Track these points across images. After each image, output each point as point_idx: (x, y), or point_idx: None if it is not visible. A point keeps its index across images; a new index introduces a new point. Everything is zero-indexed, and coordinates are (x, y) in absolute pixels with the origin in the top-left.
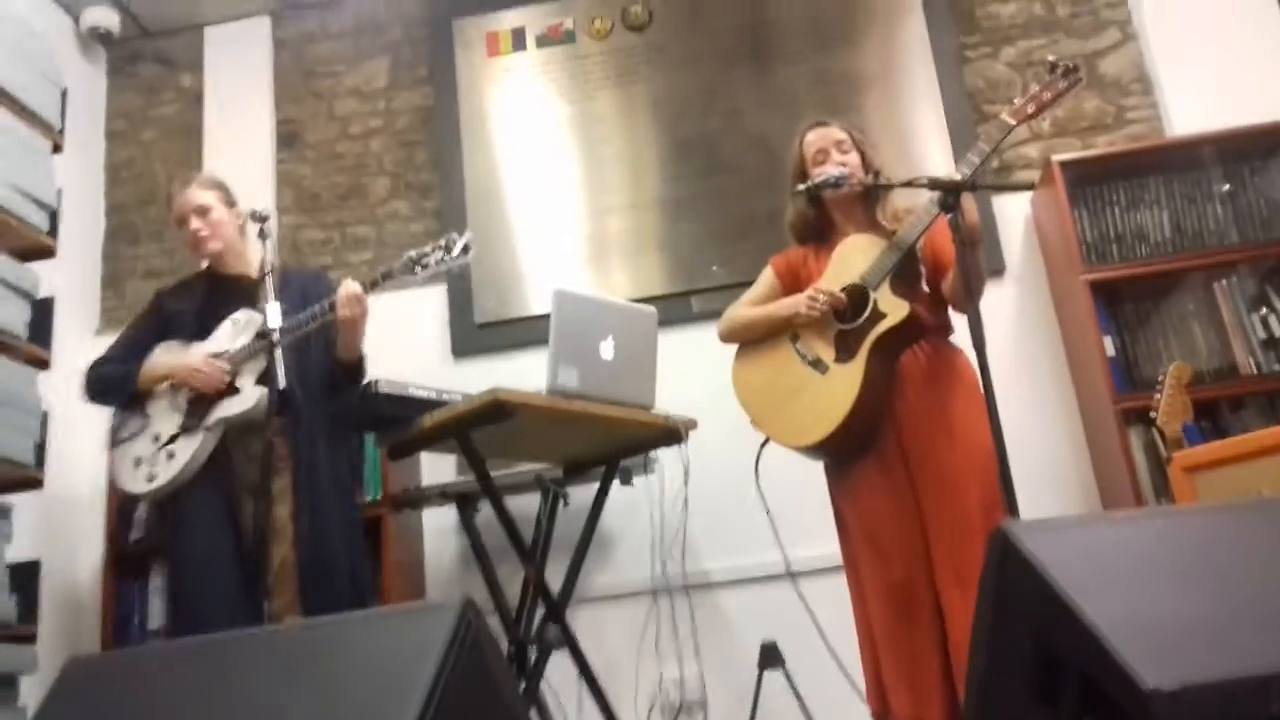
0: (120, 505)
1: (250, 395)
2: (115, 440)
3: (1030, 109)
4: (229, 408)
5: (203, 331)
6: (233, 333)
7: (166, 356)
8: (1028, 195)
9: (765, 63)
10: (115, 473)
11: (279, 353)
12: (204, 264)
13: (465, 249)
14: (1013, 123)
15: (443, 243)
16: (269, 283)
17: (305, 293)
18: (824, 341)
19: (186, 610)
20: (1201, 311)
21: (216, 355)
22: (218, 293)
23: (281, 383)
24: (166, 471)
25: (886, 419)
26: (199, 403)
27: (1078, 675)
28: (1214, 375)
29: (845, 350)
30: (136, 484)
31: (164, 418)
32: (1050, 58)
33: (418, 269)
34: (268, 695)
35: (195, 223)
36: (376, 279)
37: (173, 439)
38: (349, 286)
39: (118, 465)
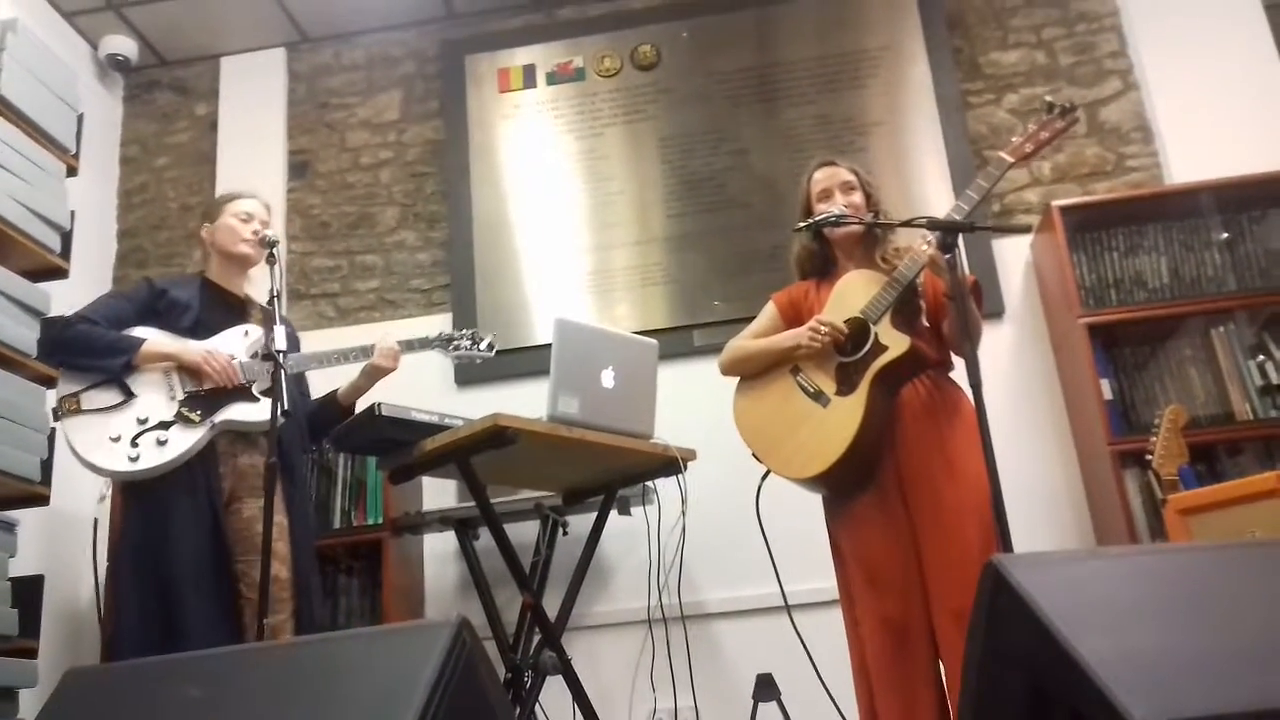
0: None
1: (269, 408)
2: (77, 408)
3: (1028, 148)
4: (244, 413)
5: (201, 331)
6: (244, 343)
7: (166, 339)
8: (1028, 239)
9: (771, 104)
10: (78, 443)
11: (283, 376)
12: (203, 270)
13: (490, 347)
14: (1010, 161)
15: (471, 334)
16: (276, 307)
17: (289, 334)
18: (825, 374)
19: (166, 612)
20: (1199, 357)
21: (267, 356)
22: (215, 301)
23: (286, 404)
24: (154, 457)
25: (886, 452)
26: (200, 398)
27: (1067, 708)
28: (1210, 420)
29: (846, 383)
30: (113, 461)
31: (155, 400)
32: (1048, 98)
33: (449, 348)
34: (264, 711)
35: (259, 227)
36: (413, 343)
37: (165, 425)
38: (391, 343)
39: (81, 436)
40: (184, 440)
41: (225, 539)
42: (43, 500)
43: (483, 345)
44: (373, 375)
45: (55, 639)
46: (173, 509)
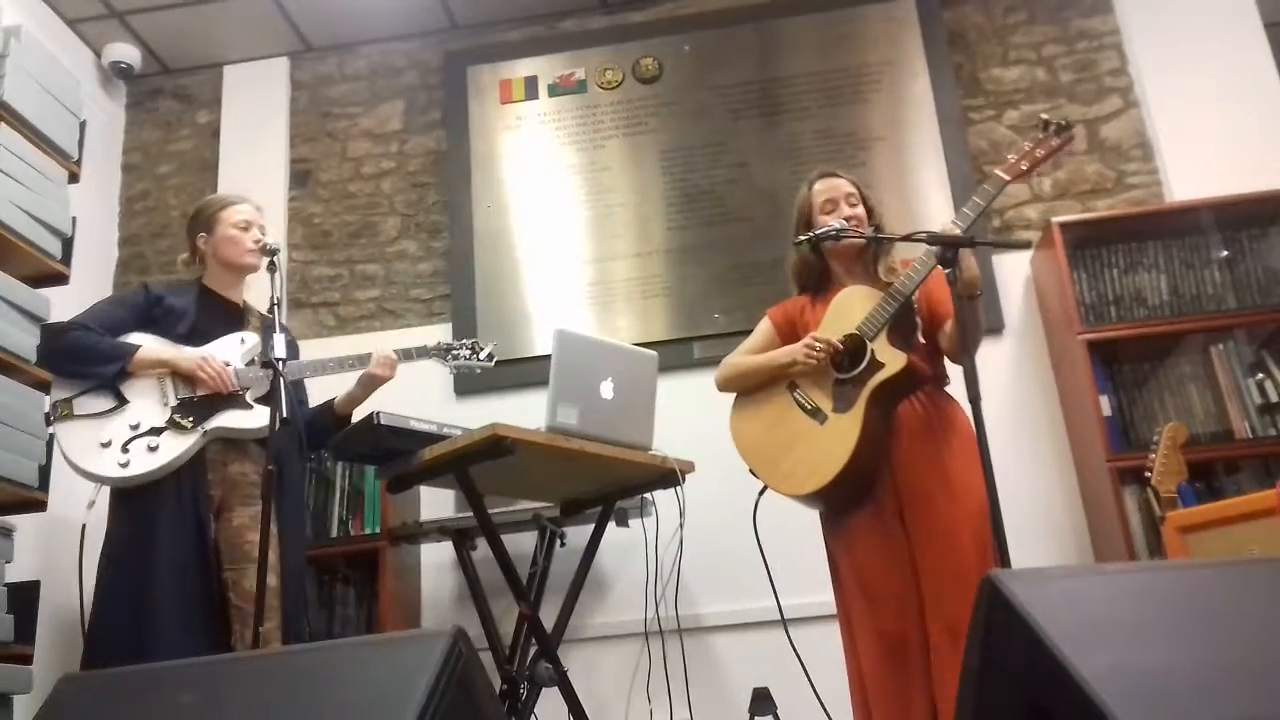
0: None
1: (263, 416)
2: (70, 413)
3: (1024, 165)
4: (237, 420)
5: (196, 338)
6: (239, 350)
7: (161, 346)
8: (1027, 255)
9: (773, 117)
10: (69, 449)
11: (282, 384)
12: (200, 276)
13: (490, 357)
14: (1006, 178)
15: (471, 343)
16: (277, 315)
17: (288, 342)
18: (822, 391)
19: (147, 620)
20: (1198, 374)
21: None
22: (211, 308)
23: (284, 412)
24: (145, 463)
25: (883, 469)
26: (193, 404)
27: None
28: (1210, 438)
29: (843, 400)
30: (103, 467)
31: (147, 406)
32: (1044, 115)
33: (448, 357)
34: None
35: (260, 235)
36: (410, 352)
37: (156, 431)
38: (387, 352)
39: (73, 441)
40: (175, 447)
41: (211, 547)
42: (40, 506)
43: (482, 355)
44: (369, 384)
45: (50, 645)
46: (158, 515)
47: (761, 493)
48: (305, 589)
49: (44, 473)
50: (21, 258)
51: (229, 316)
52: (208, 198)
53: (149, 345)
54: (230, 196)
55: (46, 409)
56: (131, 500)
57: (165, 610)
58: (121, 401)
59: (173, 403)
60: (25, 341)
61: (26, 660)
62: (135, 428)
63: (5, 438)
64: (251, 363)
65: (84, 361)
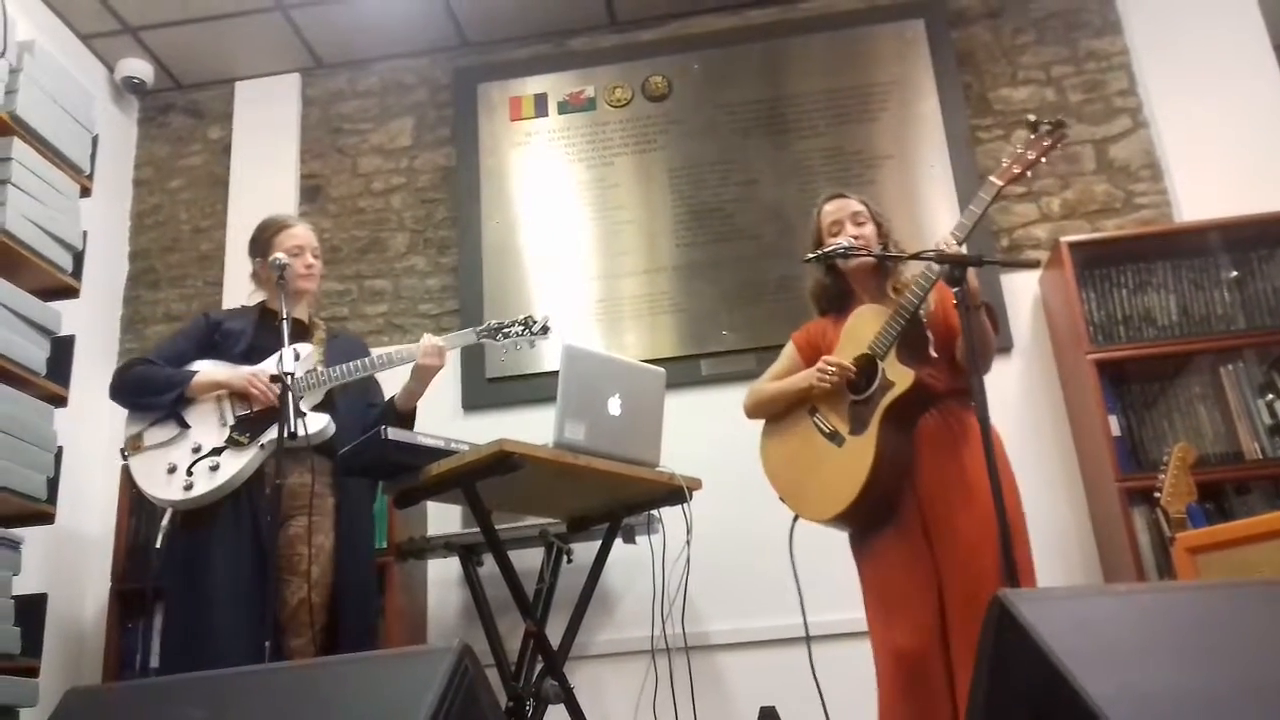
0: (129, 544)
1: (316, 420)
2: (139, 446)
3: (1016, 169)
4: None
5: (255, 355)
6: (293, 365)
7: (217, 368)
8: (1036, 275)
9: (781, 136)
10: (141, 479)
11: (290, 398)
12: (260, 298)
13: (544, 329)
14: (999, 183)
15: (524, 319)
16: (286, 329)
17: (348, 354)
18: (839, 414)
19: (206, 637)
20: (1208, 395)
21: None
22: (271, 326)
23: (292, 426)
24: (207, 483)
25: (905, 486)
26: (249, 421)
27: None
28: (1219, 458)
29: (859, 422)
30: (170, 491)
31: (208, 429)
32: (1030, 117)
33: (497, 336)
34: None
35: (311, 259)
36: (454, 338)
37: (217, 451)
38: (431, 339)
39: (144, 472)
40: (235, 464)
41: (268, 561)
42: (48, 519)
43: (535, 328)
44: (422, 376)
45: (57, 658)
46: (215, 530)
47: (795, 519)
48: (367, 597)
49: (52, 485)
50: (33, 271)
51: (291, 334)
52: (266, 220)
53: (205, 370)
54: (285, 219)
55: (121, 445)
56: (192, 521)
57: (223, 624)
58: (184, 427)
59: (230, 421)
60: (36, 354)
61: (33, 673)
62: (197, 450)
63: (15, 450)
64: (311, 371)
65: (147, 393)
